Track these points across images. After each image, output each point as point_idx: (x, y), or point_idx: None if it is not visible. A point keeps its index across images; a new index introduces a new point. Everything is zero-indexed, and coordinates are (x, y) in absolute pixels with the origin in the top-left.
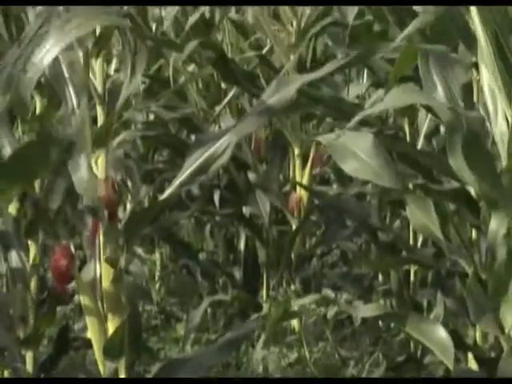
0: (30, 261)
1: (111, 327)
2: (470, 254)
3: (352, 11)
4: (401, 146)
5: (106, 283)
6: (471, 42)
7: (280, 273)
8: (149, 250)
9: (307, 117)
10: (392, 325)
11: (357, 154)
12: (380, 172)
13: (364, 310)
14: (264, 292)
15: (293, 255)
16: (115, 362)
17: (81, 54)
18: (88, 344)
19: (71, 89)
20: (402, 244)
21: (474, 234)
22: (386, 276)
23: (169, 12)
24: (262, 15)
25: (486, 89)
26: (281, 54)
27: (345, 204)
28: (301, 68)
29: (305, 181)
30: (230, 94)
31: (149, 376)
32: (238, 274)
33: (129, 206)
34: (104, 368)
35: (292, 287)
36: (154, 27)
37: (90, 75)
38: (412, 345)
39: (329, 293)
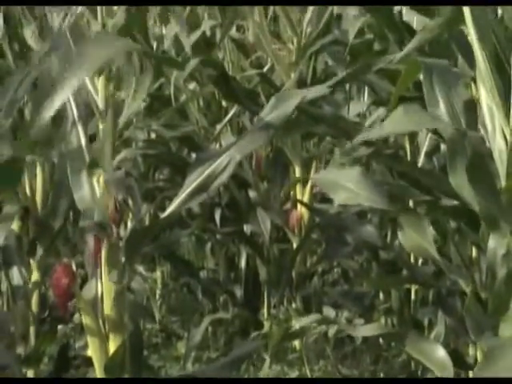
0: (32, 279)
1: (112, 345)
2: (470, 273)
3: (352, 30)
4: (400, 165)
5: (107, 301)
6: (471, 58)
7: (281, 291)
8: (150, 268)
9: (308, 135)
10: (393, 344)
11: (346, 186)
12: (370, 196)
13: (364, 330)
14: (265, 310)
15: (294, 273)
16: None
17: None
18: (89, 362)
19: (73, 106)
20: (403, 262)
21: (474, 252)
22: (386, 294)
23: (169, 30)
24: (262, 34)
25: (484, 106)
26: (281, 72)
27: (345, 222)
28: (301, 86)
29: (305, 199)
30: (231, 113)
31: None
32: (238, 292)
33: (130, 225)
34: None
35: (293, 305)
36: (154, 45)
37: (92, 93)
38: (413, 364)
39: (330, 312)
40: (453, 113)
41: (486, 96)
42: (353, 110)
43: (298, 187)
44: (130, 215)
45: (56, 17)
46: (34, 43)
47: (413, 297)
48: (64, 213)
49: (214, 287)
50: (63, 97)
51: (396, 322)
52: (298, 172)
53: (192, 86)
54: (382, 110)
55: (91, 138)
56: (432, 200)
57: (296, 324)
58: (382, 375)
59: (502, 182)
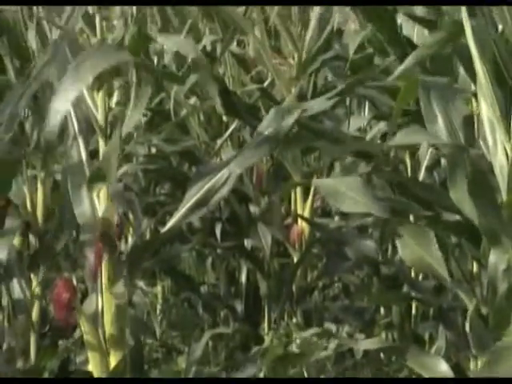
0: (32, 293)
1: (113, 360)
2: (472, 288)
3: (353, 44)
4: (401, 180)
5: (107, 316)
6: (474, 71)
7: (281, 305)
8: (150, 283)
9: (308, 149)
10: (394, 358)
11: (347, 194)
12: (372, 204)
13: (365, 344)
14: (265, 325)
15: (294, 288)
16: None
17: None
18: (89, 377)
19: (74, 121)
20: (404, 277)
21: (475, 267)
22: (387, 309)
23: (170, 46)
24: (263, 48)
25: (485, 121)
26: (282, 87)
27: (346, 237)
28: (302, 101)
29: (306, 213)
30: (232, 127)
31: None
32: (239, 306)
33: (130, 239)
34: None
35: (293, 320)
36: (155, 60)
37: (92, 108)
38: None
39: (330, 326)
40: (451, 128)
41: (487, 110)
42: (353, 125)
43: (299, 202)
44: (131, 230)
45: (56, 31)
46: (35, 57)
47: (413, 311)
48: (70, 230)
49: (214, 302)
50: (63, 107)
51: (397, 337)
52: (298, 186)
53: (192, 100)
54: (382, 125)
55: (92, 154)
56: (432, 215)
57: (297, 338)
58: None
59: (504, 197)
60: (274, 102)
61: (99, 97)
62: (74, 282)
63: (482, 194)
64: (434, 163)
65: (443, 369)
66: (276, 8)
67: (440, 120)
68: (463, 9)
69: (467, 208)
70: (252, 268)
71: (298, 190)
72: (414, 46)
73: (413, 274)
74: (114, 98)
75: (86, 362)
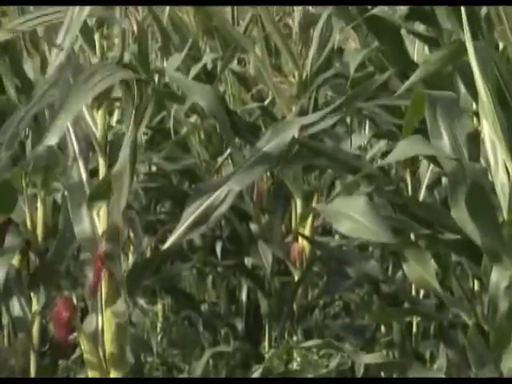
0: (32, 312)
1: None
2: (472, 306)
3: (353, 63)
4: (402, 200)
5: (107, 335)
6: (474, 89)
7: (282, 324)
8: (151, 301)
9: (309, 168)
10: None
11: (351, 215)
12: (375, 229)
13: (367, 358)
14: (266, 343)
15: (295, 306)
16: None
17: (83, 105)
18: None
19: (74, 140)
20: (404, 295)
21: (476, 285)
22: (388, 327)
23: (171, 63)
24: (263, 67)
25: (486, 140)
26: (282, 106)
27: (347, 255)
28: None
29: (307, 231)
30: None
31: None
32: (239, 325)
33: (131, 257)
34: None
35: (294, 338)
36: (156, 78)
37: (92, 126)
38: None
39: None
40: (456, 145)
41: (489, 129)
42: (354, 143)
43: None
44: (132, 248)
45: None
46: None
47: (414, 329)
48: (70, 248)
49: (215, 320)
50: (63, 125)
51: (398, 355)
52: (299, 205)
53: (193, 118)
54: (383, 143)
55: (91, 172)
56: (433, 234)
57: (297, 348)
58: None
59: (505, 216)
60: (275, 121)
61: (99, 115)
62: (74, 300)
63: (482, 213)
64: (434, 182)
65: None
66: (276, 27)
67: (445, 136)
68: (465, 28)
69: (469, 227)
70: (252, 286)
71: (299, 207)
72: (413, 64)
73: (413, 292)
74: (115, 117)
75: None
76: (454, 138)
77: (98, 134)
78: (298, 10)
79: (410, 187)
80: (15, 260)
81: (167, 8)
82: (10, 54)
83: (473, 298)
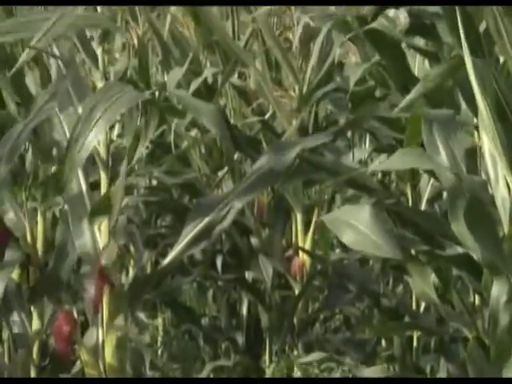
0: (33, 326)
1: None
2: (473, 320)
3: (354, 77)
4: (402, 212)
5: (108, 349)
6: (474, 104)
7: (282, 338)
8: (151, 315)
9: (309, 182)
10: None
11: (355, 226)
12: (379, 243)
13: (368, 372)
14: (267, 357)
15: (295, 320)
16: None
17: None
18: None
19: None
20: (405, 309)
21: (476, 299)
22: (389, 341)
23: (172, 78)
24: (264, 81)
25: (486, 154)
26: (283, 120)
27: (347, 269)
28: (303, 133)
29: (307, 245)
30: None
31: None
32: (240, 339)
33: (131, 271)
34: None
35: (295, 352)
36: (156, 93)
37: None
38: None
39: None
40: (453, 160)
41: (489, 144)
42: (354, 157)
43: (300, 234)
44: (132, 262)
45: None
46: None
47: (415, 344)
48: (70, 262)
49: (215, 334)
50: (82, 156)
51: (398, 369)
52: (299, 219)
53: (193, 132)
54: (383, 157)
55: (92, 186)
56: (434, 249)
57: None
58: None
59: (505, 230)
60: (275, 135)
61: None
62: (75, 314)
63: (482, 227)
64: (435, 195)
65: None
66: (277, 41)
67: (442, 152)
68: (464, 43)
69: (469, 241)
70: (253, 300)
71: (299, 221)
72: (414, 77)
73: (414, 306)
74: (115, 131)
75: None
76: (451, 153)
77: (101, 148)
78: (298, 24)
79: (410, 201)
80: (15, 274)
81: (168, 22)
82: (9, 67)
83: (473, 312)
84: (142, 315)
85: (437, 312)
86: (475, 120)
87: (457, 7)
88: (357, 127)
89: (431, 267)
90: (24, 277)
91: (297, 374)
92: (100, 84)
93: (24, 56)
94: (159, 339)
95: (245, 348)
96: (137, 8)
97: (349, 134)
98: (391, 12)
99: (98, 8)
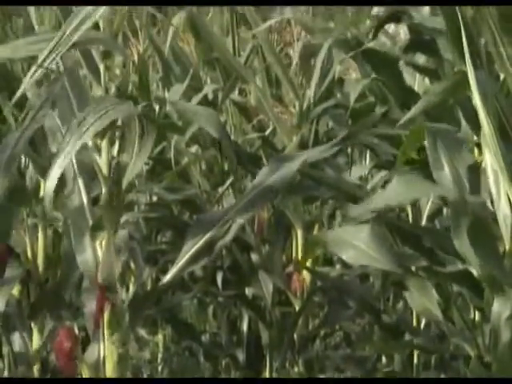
0: (33, 342)
1: None
2: (474, 337)
3: (354, 93)
4: (403, 228)
5: (109, 365)
6: (475, 122)
7: (283, 354)
8: (152, 332)
9: (310, 198)
10: None
11: (354, 244)
12: (377, 256)
13: None
14: (267, 373)
15: (296, 336)
16: None
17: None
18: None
19: (76, 169)
20: (405, 326)
21: (477, 315)
22: (389, 358)
23: (172, 94)
24: (264, 97)
25: (489, 171)
26: (283, 136)
27: (348, 285)
28: (303, 149)
29: (307, 262)
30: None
31: None
32: (240, 355)
33: (132, 287)
34: None
35: (295, 369)
36: (157, 109)
37: (96, 156)
38: None
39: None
40: (457, 176)
41: (491, 160)
42: (355, 173)
43: (300, 250)
44: (133, 278)
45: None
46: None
47: (415, 360)
48: (71, 278)
49: (215, 350)
50: (65, 161)
51: None
52: (299, 235)
53: (194, 149)
54: (383, 173)
55: (93, 201)
56: (434, 266)
57: None
58: None
59: (507, 246)
60: (276, 151)
61: (103, 145)
62: (76, 330)
63: (484, 244)
64: (435, 212)
65: None
66: (277, 57)
67: (446, 168)
68: (467, 59)
69: (471, 257)
70: (253, 317)
71: (300, 238)
72: (415, 94)
73: (414, 323)
74: (116, 146)
75: None
76: (455, 170)
77: (102, 163)
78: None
79: (410, 216)
80: (16, 290)
81: (168, 38)
82: (8, 82)
83: (474, 328)
84: (142, 331)
85: (437, 328)
86: (475, 137)
87: (461, 23)
88: (355, 139)
89: (431, 283)
90: (25, 293)
91: None
92: None
93: (30, 77)
94: (159, 355)
95: (245, 364)
96: (137, 24)
97: (349, 150)
98: (391, 28)
99: (100, 24)
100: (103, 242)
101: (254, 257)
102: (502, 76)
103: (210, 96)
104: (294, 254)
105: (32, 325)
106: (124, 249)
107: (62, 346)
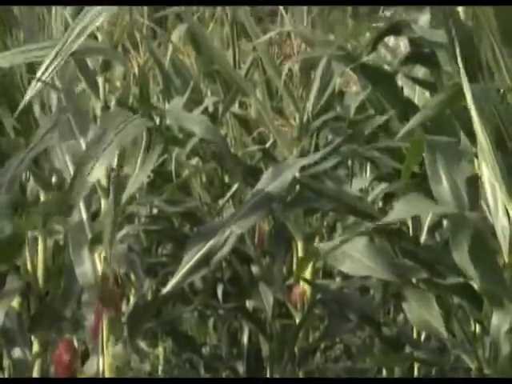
0: (33, 355)
1: None
2: (474, 349)
3: (354, 105)
4: (403, 241)
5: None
6: (473, 134)
7: (283, 367)
8: (152, 344)
9: (310, 210)
10: None
11: (352, 255)
12: (375, 266)
13: None
14: None
15: (296, 349)
16: None
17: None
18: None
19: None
20: (406, 338)
21: (477, 328)
22: (389, 370)
23: (173, 106)
24: (264, 110)
25: (486, 183)
26: (284, 148)
27: (348, 298)
28: None
29: (308, 274)
30: (234, 188)
31: None
32: (241, 367)
33: (132, 300)
34: None
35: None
36: (157, 121)
37: None
38: None
39: None
40: (456, 189)
41: (488, 173)
42: (355, 186)
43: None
44: (133, 290)
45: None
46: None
47: (416, 373)
48: (71, 291)
49: (216, 363)
50: (92, 179)
51: None
52: (300, 247)
53: (194, 161)
54: (384, 185)
55: (93, 214)
56: (434, 278)
57: None
58: None
59: (505, 259)
60: (276, 163)
61: None
62: (75, 343)
63: (483, 257)
64: (435, 224)
65: None
66: (277, 70)
67: (444, 181)
68: (462, 72)
69: (471, 271)
70: (254, 329)
71: (300, 250)
72: (414, 106)
73: (415, 335)
74: (116, 159)
75: None
76: (453, 183)
77: (101, 176)
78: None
79: (411, 229)
80: (16, 303)
81: (169, 51)
82: (8, 95)
83: (474, 341)
84: (142, 344)
85: (438, 340)
86: (474, 149)
87: (455, 39)
88: (353, 145)
89: (432, 295)
90: (25, 305)
91: None
92: (100, 112)
93: (31, 91)
94: (160, 368)
95: (246, 377)
96: (138, 36)
97: (349, 162)
98: (391, 41)
99: (99, 36)
100: (102, 255)
101: (255, 269)
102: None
103: (211, 108)
104: (294, 267)
105: (32, 337)
106: (124, 261)
107: (62, 359)
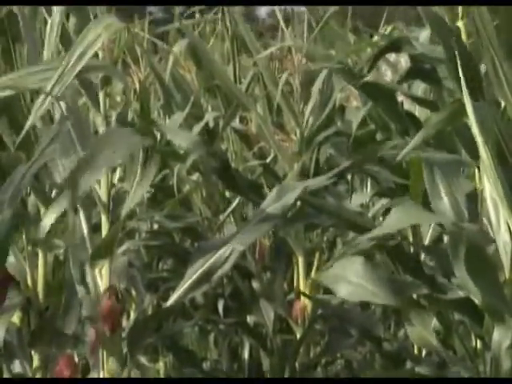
0: (33, 371)
1: None
2: (475, 365)
3: (355, 120)
4: (403, 257)
5: None
6: (474, 150)
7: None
8: (152, 359)
9: (311, 225)
10: None
11: (349, 279)
12: (375, 290)
13: None
14: None
15: (297, 364)
16: None
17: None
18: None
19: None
20: (407, 353)
21: (478, 343)
22: None
23: (173, 122)
24: (265, 125)
25: (488, 199)
26: (284, 163)
27: (349, 313)
28: (304, 177)
29: (308, 289)
30: (234, 203)
31: None
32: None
33: (132, 315)
34: None
35: None
36: (158, 137)
37: (95, 184)
38: None
39: None
40: (456, 205)
41: (490, 188)
42: (355, 201)
43: (301, 277)
44: (133, 305)
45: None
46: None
47: None
48: (72, 306)
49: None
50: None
51: None
52: (301, 262)
53: (195, 176)
54: (384, 201)
55: (93, 228)
56: (435, 293)
57: None
58: None
59: (507, 275)
60: (277, 178)
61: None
62: (76, 358)
63: (483, 273)
64: (435, 240)
65: None
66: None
67: (444, 197)
68: (464, 89)
69: (471, 287)
70: (254, 344)
71: (301, 265)
72: (415, 121)
73: (416, 351)
74: (117, 174)
75: None
76: (453, 198)
77: (101, 191)
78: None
79: (411, 244)
80: (16, 318)
81: (169, 66)
82: (9, 110)
83: (475, 356)
84: (143, 359)
85: (439, 356)
86: (475, 164)
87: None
88: (358, 169)
89: (432, 311)
90: (25, 320)
91: None
92: (101, 127)
93: (36, 110)
94: None
95: None
96: (138, 51)
97: (349, 177)
98: (392, 57)
99: (100, 53)
100: (103, 270)
101: (255, 284)
102: (502, 103)
103: (211, 123)
104: (295, 282)
105: (32, 352)
106: (124, 276)
107: (62, 374)
